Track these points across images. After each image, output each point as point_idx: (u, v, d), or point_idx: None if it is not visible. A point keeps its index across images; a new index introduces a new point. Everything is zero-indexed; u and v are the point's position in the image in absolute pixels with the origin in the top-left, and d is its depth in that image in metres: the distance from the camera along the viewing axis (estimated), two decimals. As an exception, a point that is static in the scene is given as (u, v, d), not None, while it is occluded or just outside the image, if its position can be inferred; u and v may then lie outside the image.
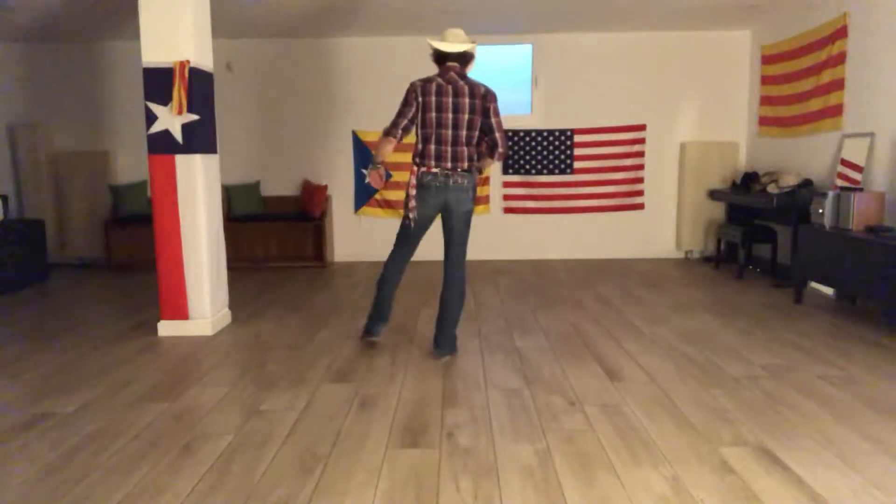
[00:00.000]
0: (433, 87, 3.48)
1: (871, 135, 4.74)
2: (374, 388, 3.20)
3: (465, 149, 3.52)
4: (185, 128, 4.07)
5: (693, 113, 6.90)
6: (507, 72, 7.00)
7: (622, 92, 6.88)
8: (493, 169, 6.93)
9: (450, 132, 3.48)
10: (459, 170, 3.52)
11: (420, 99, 3.49)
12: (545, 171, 6.95)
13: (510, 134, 6.87)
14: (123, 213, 6.78)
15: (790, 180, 5.35)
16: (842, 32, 5.07)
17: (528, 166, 6.95)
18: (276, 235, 6.94)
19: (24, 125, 6.90)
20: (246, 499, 2.16)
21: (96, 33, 6.54)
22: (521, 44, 6.90)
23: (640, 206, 7.02)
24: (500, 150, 3.56)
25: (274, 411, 2.92)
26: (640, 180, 6.98)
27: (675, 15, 6.06)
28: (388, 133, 3.53)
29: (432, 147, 3.50)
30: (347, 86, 6.94)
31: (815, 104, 5.44)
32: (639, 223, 7.06)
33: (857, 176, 4.80)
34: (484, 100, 3.50)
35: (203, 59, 4.20)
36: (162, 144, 4.08)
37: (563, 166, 6.94)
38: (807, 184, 5.34)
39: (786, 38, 5.96)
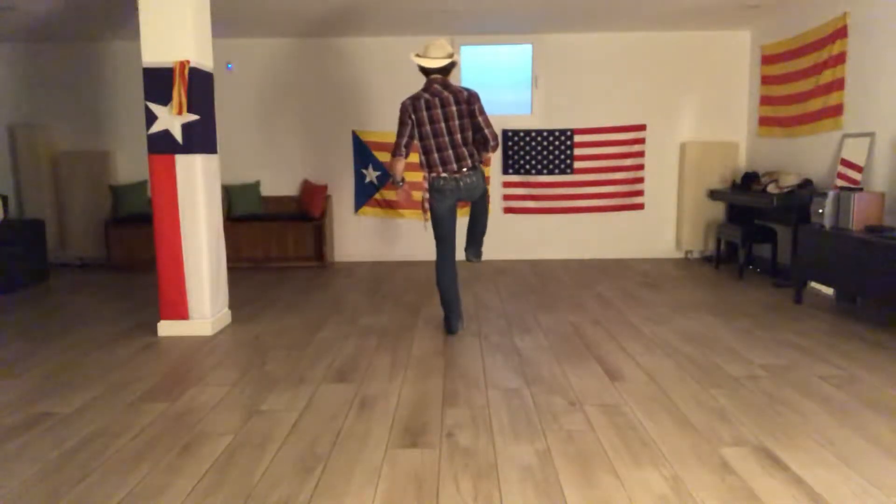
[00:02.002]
0: (422, 103, 3.87)
1: (871, 135, 4.74)
2: (374, 388, 3.20)
3: (464, 149, 3.92)
4: (185, 128, 4.07)
5: (693, 113, 6.90)
6: (507, 72, 7.00)
7: (622, 92, 6.88)
8: (493, 169, 6.94)
9: (446, 139, 3.89)
10: (465, 169, 3.93)
11: (413, 116, 3.89)
12: (545, 171, 6.95)
13: (510, 134, 6.88)
14: (123, 213, 6.78)
15: (790, 180, 5.35)
16: (842, 32, 5.07)
17: (528, 166, 6.95)
18: (276, 235, 6.94)
19: (24, 125, 6.91)
20: (246, 499, 2.16)
21: (96, 33, 6.54)
22: (521, 44, 6.90)
23: (640, 206, 7.02)
24: (492, 143, 3.92)
25: (274, 411, 2.92)
26: (640, 180, 6.98)
27: (675, 15, 6.06)
28: (394, 154, 3.94)
29: (435, 155, 3.91)
30: (347, 86, 6.94)
31: (815, 104, 5.44)
32: (639, 223, 7.05)
33: (857, 176, 4.80)
34: (468, 103, 3.87)
35: (203, 59, 4.20)
36: (162, 144, 4.08)
37: (563, 166, 6.94)
38: (807, 184, 5.34)
39: (786, 38, 5.96)
